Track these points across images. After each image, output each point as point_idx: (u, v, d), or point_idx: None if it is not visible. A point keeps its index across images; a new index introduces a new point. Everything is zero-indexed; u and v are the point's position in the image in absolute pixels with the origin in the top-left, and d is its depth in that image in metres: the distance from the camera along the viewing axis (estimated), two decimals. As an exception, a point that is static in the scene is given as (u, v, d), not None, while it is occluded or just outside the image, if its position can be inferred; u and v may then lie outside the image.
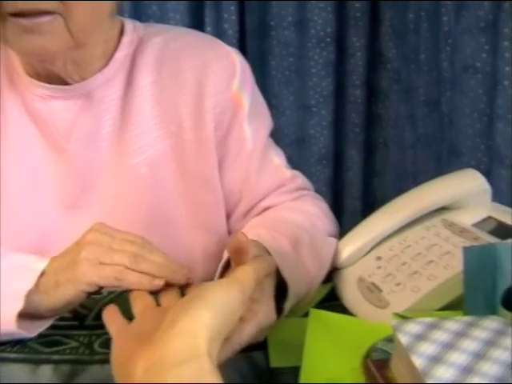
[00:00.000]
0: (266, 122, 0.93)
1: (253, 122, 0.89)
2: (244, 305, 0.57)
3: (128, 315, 0.65)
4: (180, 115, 0.85)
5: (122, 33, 0.85)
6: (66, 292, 0.69)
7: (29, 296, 0.68)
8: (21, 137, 0.83)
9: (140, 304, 0.66)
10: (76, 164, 0.84)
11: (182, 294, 0.69)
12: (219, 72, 0.85)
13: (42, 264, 0.71)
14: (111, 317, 0.65)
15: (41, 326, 0.71)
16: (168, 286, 0.69)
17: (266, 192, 0.90)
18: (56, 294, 0.69)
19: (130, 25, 0.86)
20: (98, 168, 0.85)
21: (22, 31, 0.72)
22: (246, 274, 0.60)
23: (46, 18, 0.71)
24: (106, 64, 0.83)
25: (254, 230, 0.77)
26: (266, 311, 0.63)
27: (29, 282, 0.68)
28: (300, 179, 0.94)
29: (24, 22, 0.71)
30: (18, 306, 0.67)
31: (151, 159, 0.85)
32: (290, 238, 0.75)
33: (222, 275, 0.73)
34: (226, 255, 0.73)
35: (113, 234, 0.72)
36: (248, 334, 0.60)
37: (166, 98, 0.85)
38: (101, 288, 0.70)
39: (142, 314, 0.64)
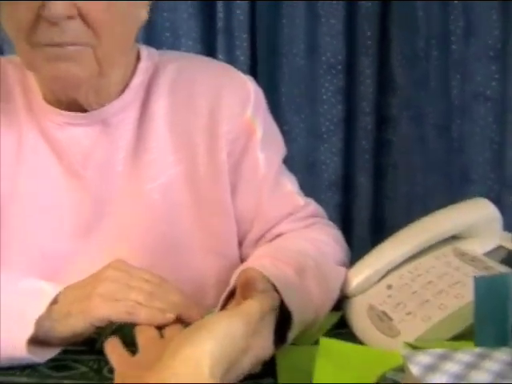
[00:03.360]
0: (279, 148, 0.93)
1: (266, 149, 0.89)
2: (247, 336, 0.58)
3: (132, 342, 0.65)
4: (193, 141, 0.86)
5: (137, 59, 0.86)
6: (76, 324, 0.69)
7: (40, 322, 0.68)
8: (39, 164, 0.84)
9: (144, 336, 0.67)
10: (92, 190, 0.85)
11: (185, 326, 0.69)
12: (233, 99, 0.86)
13: (54, 291, 0.71)
14: (113, 348, 0.66)
15: (51, 353, 0.71)
16: (178, 321, 0.70)
17: (278, 219, 0.90)
18: (67, 323, 0.69)
19: (145, 51, 0.88)
20: (112, 194, 0.85)
21: (52, 58, 0.74)
22: (251, 307, 0.61)
23: (77, 47, 0.73)
24: (123, 90, 0.84)
25: (259, 260, 0.77)
26: (263, 344, 0.63)
27: (41, 308, 0.69)
28: (312, 206, 0.95)
29: (57, 50, 0.73)
30: (29, 331, 0.67)
31: (165, 185, 0.86)
32: (295, 267, 0.75)
33: (224, 304, 0.73)
34: (231, 284, 0.73)
35: (131, 271, 0.73)
36: (245, 365, 0.60)
37: (180, 124, 0.86)
38: (112, 323, 0.70)
39: (146, 345, 0.65)
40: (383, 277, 0.80)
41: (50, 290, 0.71)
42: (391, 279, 0.79)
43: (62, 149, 0.84)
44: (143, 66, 0.86)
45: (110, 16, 0.73)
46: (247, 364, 0.61)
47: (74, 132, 0.83)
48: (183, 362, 0.51)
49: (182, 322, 0.70)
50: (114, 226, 0.85)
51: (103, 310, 0.68)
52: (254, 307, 0.61)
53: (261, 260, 0.78)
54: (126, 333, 0.69)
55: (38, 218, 0.84)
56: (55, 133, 0.83)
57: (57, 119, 0.83)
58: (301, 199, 0.93)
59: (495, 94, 1.42)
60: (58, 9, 0.70)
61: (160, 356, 0.54)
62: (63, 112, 0.83)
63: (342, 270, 0.83)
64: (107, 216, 0.85)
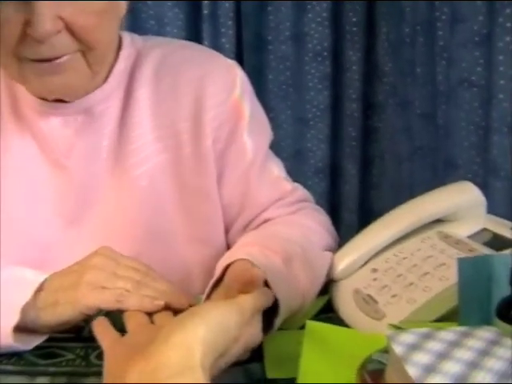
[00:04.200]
0: (266, 133, 0.93)
1: (253, 133, 0.89)
2: (241, 328, 0.58)
3: (121, 328, 0.65)
4: (178, 129, 0.85)
5: (119, 46, 0.86)
6: (64, 312, 0.69)
7: (25, 310, 0.68)
8: (22, 153, 0.84)
9: (134, 321, 0.67)
10: (76, 180, 0.84)
11: (175, 314, 0.69)
12: (218, 85, 0.86)
13: (40, 278, 0.71)
14: (102, 329, 0.66)
15: (37, 340, 0.71)
16: (167, 308, 0.70)
17: (266, 205, 0.90)
18: (54, 312, 0.69)
19: (127, 38, 0.87)
20: (97, 182, 0.85)
21: (42, 73, 0.74)
22: (246, 302, 0.61)
23: (66, 57, 0.73)
24: (105, 79, 0.84)
25: (246, 248, 0.77)
26: (253, 332, 0.64)
27: (26, 296, 0.68)
28: (300, 191, 0.94)
29: (46, 66, 0.73)
30: (14, 319, 0.67)
31: (150, 172, 0.85)
32: (282, 254, 0.75)
33: (210, 293, 0.73)
34: (217, 274, 0.73)
35: (118, 259, 0.73)
36: (234, 353, 0.61)
37: (164, 112, 0.86)
38: (100, 310, 0.70)
39: (136, 329, 0.65)
40: (368, 260, 0.80)
41: (33, 278, 0.71)
42: (376, 263, 0.80)
43: (44, 138, 0.83)
44: (125, 53, 0.85)
45: (94, 19, 0.73)
46: (237, 352, 0.61)
47: (57, 121, 0.83)
48: (175, 346, 0.51)
49: (170, 309, 0.70)
50: (99, 214, 0.85)
51: (92, 298, 0.68)
52: (248, 303, 0.61)
53: (248, 248, 0.77)
54: (114, 319, 0.69)
55: (22, 208, 0.84)
56: (37, 122, 0.83)
57: (39, 108, 0.82)
58: (288, 184, 0.93)
59: (481, 79, 1.42)
60: (45, 26, 0.69)
61: (150, 341, 0.54)
62: (45, 102, 0.82)
63: (329, 255, 0.83)
64: (92, 204, 0.85)
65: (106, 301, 0.69)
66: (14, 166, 0.83)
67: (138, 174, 0.85)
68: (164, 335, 0.53)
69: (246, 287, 0.64)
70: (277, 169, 0.92)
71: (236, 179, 0.88)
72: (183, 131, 0.85)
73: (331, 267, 0.81)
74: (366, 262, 0.81)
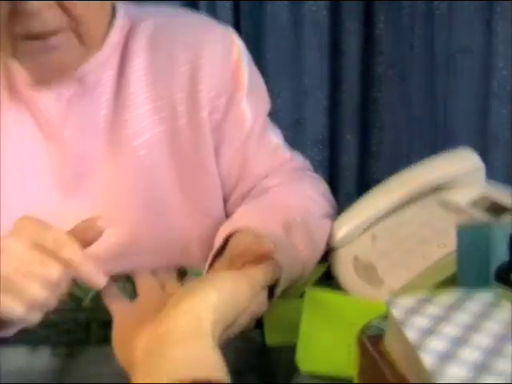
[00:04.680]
0: (264, 101, 0.92)
1: (251, 101, 0.88)
2: (251, 299, 0.58)
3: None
4: (174, 100, 0.85)
5: (113, 16, 0.85)
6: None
7: None
8: (18, 129, 0.83)
9: (144, 284, 0.66)
10: (73, 151, 0.83)
11: None
12: (214, 54, 0.85)
13: None
14: (111, 294, 0.65)
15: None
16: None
17: (264, 174, 0.89)
18: None
19: (121, 8, 0.86)
20: (94, 153, 0.84)
21: (36, 52, 0.73)
22: (257, 273, 0.61)
23: (58, 36, 0.72)
24: (99, 48, 0.83)
25: (245, 217, 0.77)
26: (258, 302, 0.63)
27: None
28: (298, 160, 0.94)
29: (38, 43, 0.72)
30: None
31: (147, 143, 0.85)
32: (282, 223, 0.75)
33: (212, 263, 0.72)
34: (218, 243, 0.73)
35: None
36: (241, 323, 0.60)
37: (160, 82, 0.85)
38: None
39: (146, 294, 0.64)
40: (368, 228, 0.80)
41: None
42: (376, 230, 0.80)
43: (39, 112, 0.82)
44: (119, 22, 0.84)
45: None
46: (244, 322, 0.60)
47: (50, 94, 0.82)
48: (185, 313, 0.51)
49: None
50: (97, 185, 0.84)
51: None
52: (259, 275, 0.61)
53: (247, 217, 0.77)
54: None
55: (20, 181, 0.83)
56: (32, 96, 0.82)
57: (33, 83, 0.82)
58: (287, 153, 0.92)
59: (479, 47, 1.41)
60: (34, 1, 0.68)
61: (160, 306, 0.53)
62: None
63: (328, 223, 0.83)
64: (90, 175, 0.84)
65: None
66: (11, 143, 0.83)
67: (135, 145, 0.85)
68: (174, 301, 0.53)
69: (255, 260, 0.63)
70: (275, 137, 0.92)
71: (234, 149, 0.88)
72: (179, 102, 0.85)
73: (330, 235, 0.81)
74: (365, 230, 0.81)
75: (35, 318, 0.63)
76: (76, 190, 0.84)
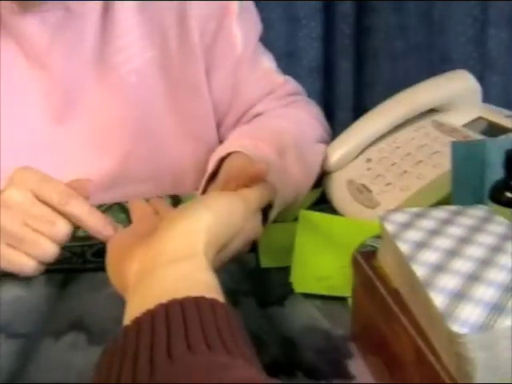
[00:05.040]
0: (255, 25, 0.91)
1: (242, 25, 0.86)
2: (246, 221, 0.57)
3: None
4: (164, 26, 0.83)
5: None
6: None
7: None
8: (2, 57, 0.81)
9: (138, 211, 0.65)
10: (59, 78, 0.82)
11: None
12: None
13: None
14: (103, 221, 0.64)
15: None
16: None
17: (257, 98, 0.88)
18: None
19: None
20: (82, 81, 0.83)
21: None
22: (251, 194, 0.59)
23: None
24: None
25: (238, 141, 0.76)
26: (253, 225, 0.62)
27: None
28: (291, 84, 0.93)
29: None
30: None
31: (137, 69, 0.84)
32: (275, 146, 0.74)
33: (205, 188, 0.72)
34: (211, 167, 0.72)
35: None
36: (235, 247, 0.59)
37: (149, 9, 0.83)
38: None
39: (140, 220, 0.63)
40: (362, 151, 0.80)
41: None
42: (370, 153, 0.79)
43: (23, 37, 0.80)
44: None
45: None
46: (238, 245, 0.59)
47: (35, 19, 0.79)
48: (178, 232, 0.50)
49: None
50: (86, 112, 0.83)
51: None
52: (254, 196, 0.59)
53: (240, 141, 0.76)
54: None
55: (7, 110, 0.82)
56: (16, 22, 0.80)
57: (17, 9, 0.79)
58: (280, 77, 0.91)
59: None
60: None
61: (153, 229, 0.53)
62: (22, 2, 0.78)
63: (322, 147, 0.82)
64: (79, 103, 0.83)
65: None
66: None
67: (125, 72, 0.83)
68: (167, 222, 0.52)
69: (249, 181, 0.62)
70: (267, 61, 0.90)
71: (225, 73, 0.86)
72: (169, 27, 0.83)
73: (325, 159, 0.80)
74: (359, 153, 0.80)
75: (39, 272, 0.63)
76: (65, 119, 0.83)
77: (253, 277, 0.65)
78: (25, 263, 0.62)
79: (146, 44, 0.83)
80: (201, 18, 0.83)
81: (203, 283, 0.47)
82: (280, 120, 0.84)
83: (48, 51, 0.81)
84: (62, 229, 0.62)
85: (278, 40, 1.52)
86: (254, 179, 0.61)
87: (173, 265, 0.48)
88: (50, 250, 0.62)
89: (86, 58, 0.82)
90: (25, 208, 0.61)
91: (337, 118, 1.55)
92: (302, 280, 0.62)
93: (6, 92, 0.82)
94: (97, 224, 0.63)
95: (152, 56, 0.84)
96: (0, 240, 0.61)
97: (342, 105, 1.56)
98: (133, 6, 0.83)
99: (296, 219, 0.72)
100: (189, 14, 0.83)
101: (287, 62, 1.51)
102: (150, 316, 0.40)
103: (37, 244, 0.61)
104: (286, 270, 0.64)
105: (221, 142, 0.89)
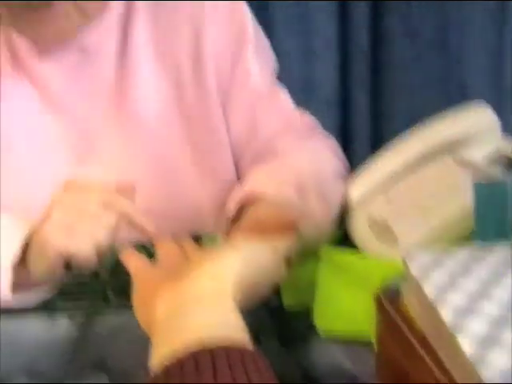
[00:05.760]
0: (269, 60, 0.92)
1: (257, 60, 0.87)
2: (274, 269, 0.57)
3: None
4: (179, 66, 0.85)
5: None
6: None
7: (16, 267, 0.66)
8: (23, 102, 0.82)
9: (165, 249, 0.65)
10: (78, 119, 0.83)
11: None
12: (218, 17, 0.84)
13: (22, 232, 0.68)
14: (130, 256, 0.63)
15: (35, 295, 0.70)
16: None
17: (275, 134, 0.88)
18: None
19: None
20: (101, 121, 0.84)
21: (35, 22, 0.72)
22: (281, 245, 0.60)
23: (55, 5, 0.71)
24: (100, 16, 0.81)
25: (258, 182, 0.76)
26: (279, 271, 0.62)
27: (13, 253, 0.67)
28: (308, 118, 0.93)
29: (36, 14, 0.71)
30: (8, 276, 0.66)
31: (154, 106, 0.85)
32: (296, 186, 0.74)
33: (228, 230, 0.72)
34: (231, 210, 0.72)
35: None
36: (263, 292, 0.59)
37: (165, 49, 0.85)
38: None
39: (167, 256, 0.63)
40: (383, 187, 0.79)
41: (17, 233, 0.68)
42: (391, 189, 0.78)
43: (40, 79, 0.82)
44: None
45: None
46: (265, 291, 0.59)
47: (51, 61, 0.81)
48: (207, 275, 0.51)
49: None
50: (106, 152, 0.84)
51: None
52: (283, 246, 0.61)
53: (261, 181, 0.77)
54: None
55: (28, 154, 0.83)
56: (33, 64, 0.81)
57: (35, 53, 0.81)
58: (296, 111, 0.91)
59: (493, 2, 1.38)
60: None
61: (181, 268, 0.53)
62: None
63: (341, 183, 0.82)
64: (98, 143, 0.84)
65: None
66: (17, 116, 0.82)
67: (141, 109, 0.84)
68: (197, 264, 0.53)
69: (278, 231, 0.63)
70: (283, 95, 0.91)
71: (242, 109, 0.87)
72: (184, 67, 0.85)
73: (345, 196, 0.80)
74: (380, 189, 0.79)
75: (92, 264, 0.67)
76: (86, 160, 0.84)
77: (277, 318, 0.65)
78: (82, 247, 0.65)
79: (161, 80, 0.85)
80: (216, 55, 0.84)
81: (231, 325, 0.47)
82: (298, 156, 0.84)
83: (65, 94, 0.82)
84: (112, 220, 0.67)
85: (294, 72, 1.53)
86: (283, 229, 0.62)
87: (201, 306, 0.48)
88: (103, 237, 0.66)
89: (103, 98, 0.84)
90: (78, 207, 0.67)
91: (355, 151, 1.56)
92: (326, 320, 0.62)
93: (26, 136, 0.83)
94: (142, 220, 0.69)
95: (167, 92, 0.85)
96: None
97: (359, 137, 1.57)
98: (149, 44, 0.84)
99: (318, 259, 0.72)
100: (204, 51, 0.84)
101: (302, 94, 1.52)
102: (179, 365, 0.40)
103: (94, 230, 0.66)
104: (309, 310, 0.64)
105: (239, 178, 0.89)
